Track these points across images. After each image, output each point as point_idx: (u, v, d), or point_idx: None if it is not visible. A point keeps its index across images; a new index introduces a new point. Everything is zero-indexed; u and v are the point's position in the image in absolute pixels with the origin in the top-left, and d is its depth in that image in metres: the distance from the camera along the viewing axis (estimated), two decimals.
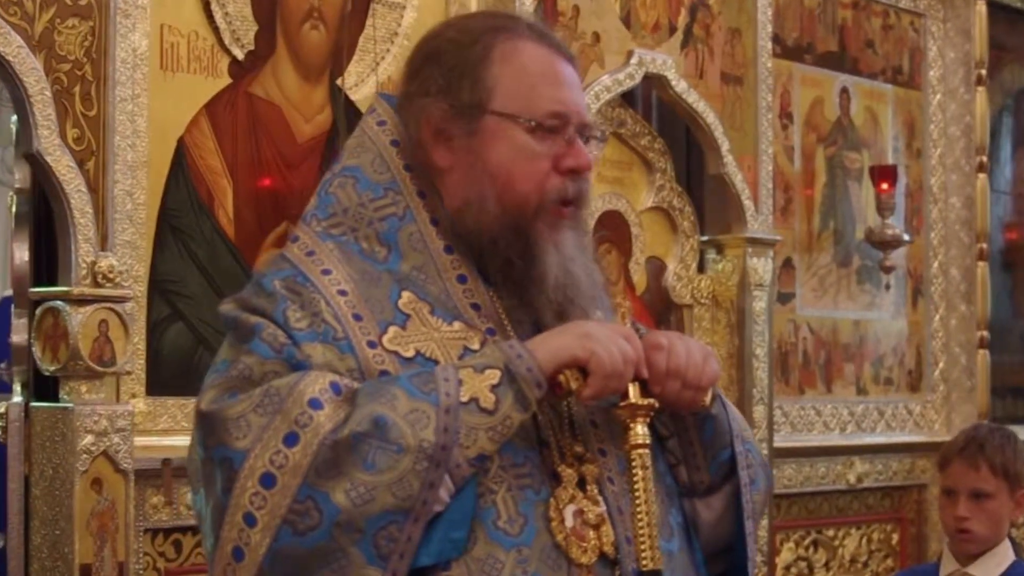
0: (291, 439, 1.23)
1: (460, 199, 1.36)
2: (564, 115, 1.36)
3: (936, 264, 4.30)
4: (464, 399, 1.26)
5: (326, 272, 1.33)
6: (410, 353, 1.31)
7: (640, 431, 1.31)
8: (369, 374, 1.29)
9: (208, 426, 1.27)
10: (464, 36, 1.38)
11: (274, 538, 1.22)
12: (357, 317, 1.31)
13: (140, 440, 2.61)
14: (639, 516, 1.29)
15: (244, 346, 1.30)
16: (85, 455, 2.51)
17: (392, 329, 1.32)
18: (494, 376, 1.27)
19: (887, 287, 4.04)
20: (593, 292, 1.37)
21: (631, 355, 1.31)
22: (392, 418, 1.24)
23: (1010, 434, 2.42)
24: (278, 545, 1.22)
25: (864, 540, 4.05)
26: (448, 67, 1.37)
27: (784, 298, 3.85)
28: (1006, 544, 2.34)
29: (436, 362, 1.31)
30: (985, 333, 4.28)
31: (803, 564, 3.88)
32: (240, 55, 2.83)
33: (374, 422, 1.23)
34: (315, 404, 1.24)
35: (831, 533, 3.96)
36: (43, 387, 2.61)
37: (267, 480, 1.23)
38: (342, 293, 1.32)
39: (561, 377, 1.30)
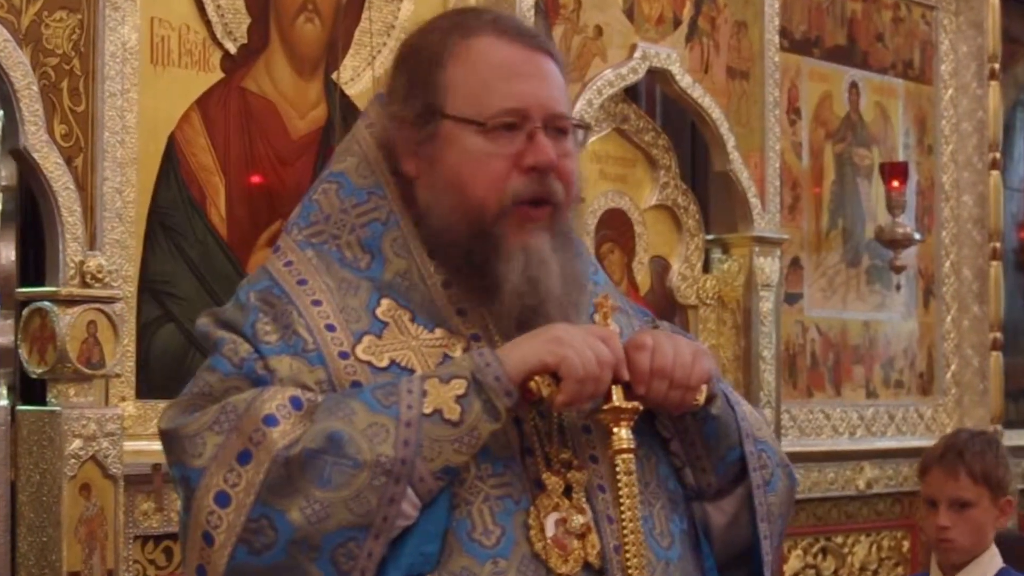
0: (244, 457, 1.22)
1: (424, 206, 1.33)
2: (520, 110, 1.30)
3: (948, 263, 4.25)
4: (427, 411, 1.23)
5: (302, 282, 1.32)
6: (384, 363, 1.29)
7: (624, 435, 1.28)
8: (340, 385, 1.27)
9: (167, 444, 1.28)
10: (424, 39, 1.36)
11: (230, 557, 1.22)
12: (330, 328, 1.29)
13: (130, 445, 2.58)
14: (624, 523, 1.26)
15: (207, 362, 1.30)
16: (73, 460, 2.48)
17: (367, 338, 1.29)
18: (460, 386, 1.24)
19: (897, 287, 3.99)
20: (572, 299, 1.32)
21: (607, 357, 1.26)
22: (348, 433, 1.21)
23: (992, 439, 2.38)
24: (235, 564, 1.22)
25: (874, 547, 3.99)
26: (409, 73, 1.35)
27: (792, 298, 3.80)
28: (991, 552, 2.29)
29: (412, 371, 1.29)
30: (998, 334, 4.23)
31: (811, 572, 3.84)
32: (232, 49, 2.79)
33: (328, 438, 1.21)
34: (270, 421, 1.23)
35: (840, 540, 3.92)
36: (30, 390, 2.58)
37: (222, 499, 1.22)
38: (316, 303, 1.31)
39: (532, 384, 1.26)
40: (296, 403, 1.23)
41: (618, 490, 1.27)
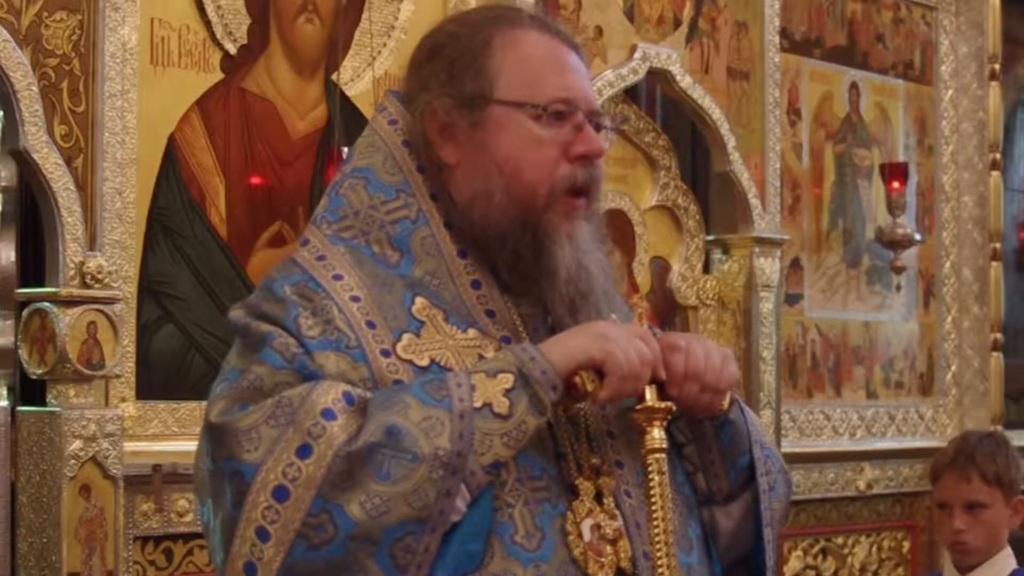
0: (304, 451, 1.21)
1: (469, 194, 1.33)
2: (571, 100, 1.33)
3: (948, 264, 4.24)
4: (477, 405, 1.23)
5: (337, 277, 1.31)
6: (424, 362, 1.29)
7: (657, 435, 1.28)
8: (383, 383, 1.27)
9: (218, 438, 1.25)
10: (464, 28, 1.37)
11: (288, 553, 1.20)
12: (371, 324, 1.29)
13: (130, 445, 2.57)
14: (655, 523, 1.26)
15: (255, 355, 1.27)
16: (73, 461, 2.47)
17: (406, 336, 1.29)
18: (507, 380, 1.24)
19: (898, 288, 3.98)
20: (606, 287, 1.34)
21: (648, 356, 1.28)
22: (405, 427, 1.21)
23: (1001, 440, 2.39)
24: (292, 560, 1.20)
25: (874, 548, 3.99)
26: (449, 60, 1.35)
27: (792, 299, 3.79)
28: (1006, 552, 2.31)
29: (451, 371, 1.28)
30: (998, 335, 4.23)
31: (812, 573, 3.83)
32: (232, 49, 2.78)
33: (387, 431, 1.21)
34: (328, 415, 1.22)
35: (840, 541, 3.91)
36: (30, 391, 2.57)
37: (280, 493, 1.20)
38: (355, 299, 1.30)
39: (576, 379, 1.27)
40: (349, 398, 1.23)
41: (650, 491, 1.27)
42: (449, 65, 1.34)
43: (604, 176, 1.36)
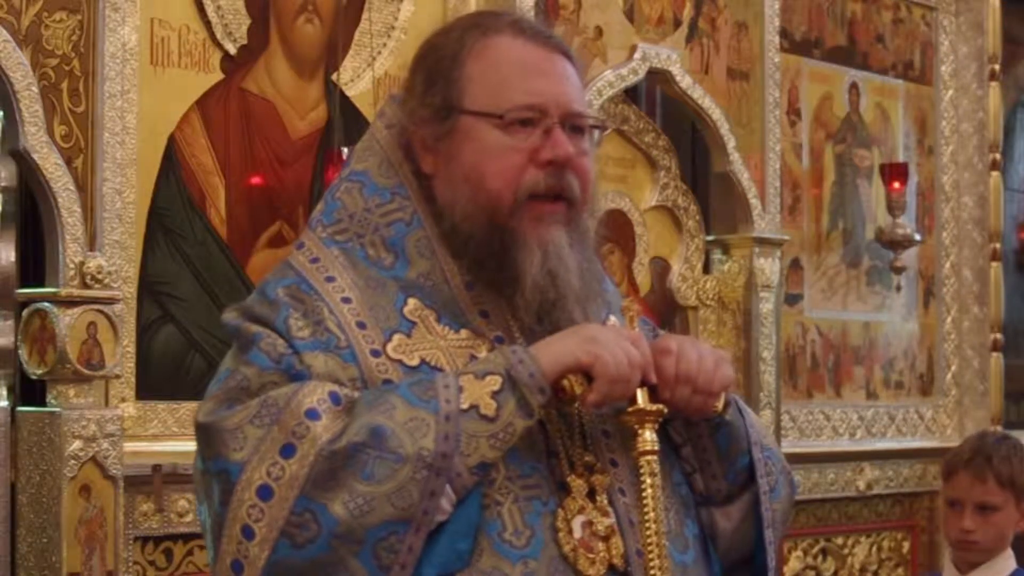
0: (288, 450, 1.22)
1: (443, 203, 1.34)
2: (539, 106, 1.32)
3: (948, 264, 4.24)
4: (464, 406, 1.24)
5: (330, 279, 1.32)
6: (415, 362, 1.30)
7: (648, 437, 1.29)
8: (372, 383, 1.28)
9: (205, 438, 1.27)
10: (442, 38, 1.37)
11: (272, 551, 1.22)
12: (361, 325, 1.30)
13: (130, 446, 2.58)
14: (647, 524, 1.27)
15: (243, 356, 1.29)
16: (73, 461, 2.47)
17: (397, 337, 1.30)
18: (495, 382, 1.25)
19: (898, 288, 3.98)
20: (587, 293, 1.34)
21: (637, 359, 1.28)
22: (390, 427, 1.22)
23: (1016, 444, 2.39)
24: (276, 558, 1.21)
25: (874, 548, 3.99)
26: (427, 72, 1.36)
27: (792, 299, 3.79)
28: (1008, 553, 2.32)
29: (441, 371, 1.30)
30: (998, 335, 4.23)
31: (812, 573, 3.83)
32: (232, 49, 2.79)
33: (371, 432, 1.22)
34: (312, 415, 1.23)
35: (840, 541, 3.91)
36: (30, 391, 2.58)
37: (264, 492, 1.22)
38: (346, 300, 1.31)
39: (565, 382, 1.28)
40: (335, 398, 1.24)
41: (641, 492, 1.27)
42: (426, 77, 1.35)
43: (590, 179, 1.34)
